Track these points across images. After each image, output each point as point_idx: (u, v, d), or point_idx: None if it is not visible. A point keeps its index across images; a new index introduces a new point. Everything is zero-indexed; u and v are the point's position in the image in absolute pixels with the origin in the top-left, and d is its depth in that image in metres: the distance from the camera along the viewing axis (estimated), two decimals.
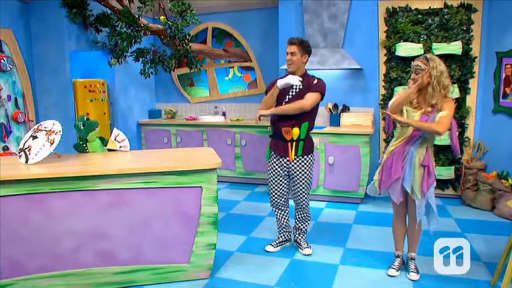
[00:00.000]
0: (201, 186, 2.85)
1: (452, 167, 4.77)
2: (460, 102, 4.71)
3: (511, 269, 2.51)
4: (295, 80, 3.08)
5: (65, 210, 2.70)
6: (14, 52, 4.52)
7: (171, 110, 6.36)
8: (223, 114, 6.25)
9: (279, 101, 3.19)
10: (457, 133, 2.86)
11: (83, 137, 3.20)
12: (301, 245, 3.44)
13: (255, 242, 3.64)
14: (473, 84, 4.68)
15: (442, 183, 4.91)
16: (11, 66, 4.40)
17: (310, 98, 3.09)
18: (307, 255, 3.37)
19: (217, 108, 6.35)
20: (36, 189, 2.63)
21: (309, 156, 3.27)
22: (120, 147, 3.42)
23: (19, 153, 2.94)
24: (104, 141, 3.41)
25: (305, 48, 3.12)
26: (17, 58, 4.55)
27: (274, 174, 3.30)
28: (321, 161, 4.81)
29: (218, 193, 2.93)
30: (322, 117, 5.30)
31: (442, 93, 2.68)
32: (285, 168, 3.27)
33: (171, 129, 6.05)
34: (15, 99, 4.53)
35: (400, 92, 2.90)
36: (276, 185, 3.32)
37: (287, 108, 3.10)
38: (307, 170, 3.26)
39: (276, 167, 3.27)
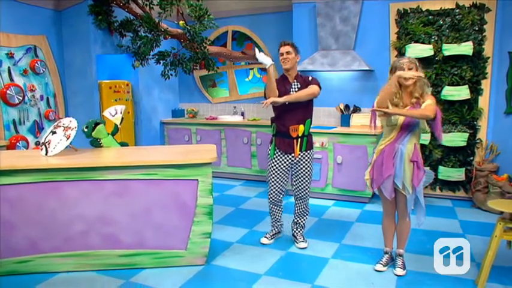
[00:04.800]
0: (197, 179, 3.09)
1: (463, 169, 4.72)
2: (471, 103, 4.66)
3: (487, 267, 2.56)
4: (267, 59, 3.22)
5: (76, 197, 3.03)
6: (47, 56, 5.01)
7: (193, 110, 6.68)
8: (242, 114, 6.48)
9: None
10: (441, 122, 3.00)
11: (88, 136, 3.54)
12: (297, 239, 3.60)
13: (256, 235, 3.83)
14: (485, 85, 4.61)
15: (453, 185, 4.87)
16: (43, 69, 4.89)
17: (315, 87, 3.32)
18: (302, 248, 3.53)
19: (236, 108, 6.60)
20: (52, 177, 2.99)
21: (311, 150, 3.48)
22: (121, 112, 3.72)
23: (40, 146, 3.32)
24: (124, 145, 3.76)
25: (297, 48, 3.37)
26: (50, 62, 5.03)
27: (277, 171, 3.46)
28: (329, 160, 4.92)
29: (213, 186, 3.16)
30: (333, 118, 5.42)
31: (423, 88, 2.86)
32: (288, 165, 3.44)
33: (191, 128, 6.36)
34: (47, 99, 5.02)
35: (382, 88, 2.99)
36: (278, 182, 3.49)
37: (299, 95, 3.28)
38: (310, 164, 3.46)
39: (280, 164, 3.44)
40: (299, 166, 3.43)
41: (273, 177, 3.48)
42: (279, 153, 3.44)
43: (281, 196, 3.56)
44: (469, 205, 4.71)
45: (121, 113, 3.76)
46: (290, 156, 3.41)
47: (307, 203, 3.55)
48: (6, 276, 3.03)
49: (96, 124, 3.54)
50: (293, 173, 3.49)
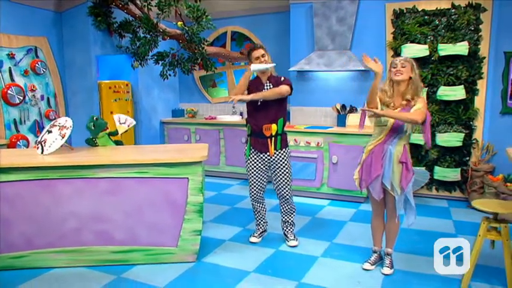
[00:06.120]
0: (187, 178, 3.15)
1: (459, 169, 4.72)
2: (467, 104, 4.65)
3: (471, 266, 2.57)
4: (267, 65, 3.35)
5: (70, 195, 3.11)
6: (47, 57, 5.11)
7: (192, 110, 6.75)
8: (241, 114, 6.53)
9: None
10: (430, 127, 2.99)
11: (95, 136, 3.62)
12: (288, 237, 3.64)
13: (248, 233, 3.85)
14: (481, 85, 4.60)
15: (449, 185, 4.87)
16: (44, 70, 5.00)
17: (285, 87, 3.39)
18: (293, 246, 3.57)
19: (235, 108, 6.65)
20: (47, 175, 3.06)
21: (286, 149, 3.52)
22: (128, 125, 3.81)
23: (37, 145, 3.40)
24: (119, 144, 3.84)
25: (267, 51, 3.45)
26: (50, 62, 5.13)
27: (254, 170, 3.52)
28: (325, 160, 4.95)
29: (203, 184, 3.21)
30: (330, 118, 5.44)
31: (416, 91, 2.86)
32: (265, 163, 3.50)
33: (191, 128, 6.43)
34: (48, 98, 5.12)
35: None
36: (257, 180, 3.54)
37: (267, 94, 3.36)
38: (287, 162, 3.50)
39: (257, 162, 3.50)
40: (276, 165, 3.47)
41: (252, 176, 3.54)
42: (255, 152, 3.50)
43: (261, 193, 3.62)
44: (464, 205, 4.71)
45: (128, 126, 3.86)
46: (266, 155, 3.47)
47: (290, 200, 3.59)
48: (1, 271, 3.11)
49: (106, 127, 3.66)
50: (272, 172, 3.54)
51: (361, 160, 3.10)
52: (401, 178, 2.88)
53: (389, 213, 3.05)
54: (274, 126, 3.39)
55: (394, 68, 2.87)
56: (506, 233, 2.60)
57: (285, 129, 3.55)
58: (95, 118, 3.63)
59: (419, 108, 2.80)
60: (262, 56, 3.36)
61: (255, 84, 3.45)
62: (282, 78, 3.47)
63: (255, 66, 3.34)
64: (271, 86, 3.41)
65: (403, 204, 2.96)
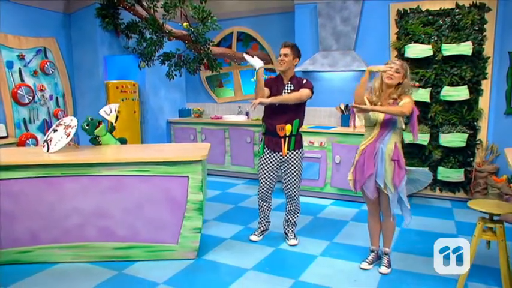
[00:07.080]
0: (187, 176, 3.21)
1: (462, 170, 4.69)
2: (471, 104, 4.63)
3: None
4: (256, 63, 3.28)
5: (73, 192, 3.20)
6: (56, 58, 5.24)
7: (199, 110, 6.82)
8: (247, 114, 6.58)
9: None
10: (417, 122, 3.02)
11: (91, 134, 3.70)
12: (288, 236, 3.67)
13: (250, 232, 3.89)
14: (486, 85, 4.57)
15: (453, 186, 4.84)
16: (53, 70, 5.13)
17: (305, 91, 3.38)
18: (292, 245, 3.60)
19: (240, 108, 6.70)
20: (51, 173, 3.15)
21: (300, 150, 3.53)
22: (115, 110, 3.84)
23: (43, 143, 3.50)
24: (123, 141, 3.91)
25: (296, 52, 3.42)
26: (59, 63, 5.27)
27: (266, 169, 3.56)
28: (328, 159, 4.97)
29: (202, 183, 3.26)
30: (334, 118, 5.46)
31: (403, 92, 2.91)
32: (277, 163, 3.53)
33: (197, 127, 6.50)
34: (56, 98, 5.26)
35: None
36: (267, 179, 3.58)
37: (286, 98, 3.36)
38: (299, 163, 3.52)
39: (269, 161, 3.53)
40: (288, 165, 3.50)
41: (263, 175, 3.57)
42: (268, 151, 3.52)
43: (270, 192, 3.65)
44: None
45: (115, 111, 3.90)
46: (278, 155, 3.49)
47: (297, 201, 3.62)
48: (8, 265, 3.21)
49: (99, 123, 3.70)
50: (282, 171, 3.56)
51: (354, 161, 3.12)
52: (394, 176, 2.90)
53: (384, 212, 3.07)
54: (288, 127, 3.41)
55: (390, 68, 2.88)
56: (502, 234, 2.60)
57: None
58: (89, 119, 3.70)
59: (406, 102, 2.84)
60: (285, 55, 3.34)
61: (276, 84, 3.47)
62: (304, 81, 3.45)
63: (251, 61, 3.32)
64: (293, 88, 3.42)
65: (399, 204, 2.98)
